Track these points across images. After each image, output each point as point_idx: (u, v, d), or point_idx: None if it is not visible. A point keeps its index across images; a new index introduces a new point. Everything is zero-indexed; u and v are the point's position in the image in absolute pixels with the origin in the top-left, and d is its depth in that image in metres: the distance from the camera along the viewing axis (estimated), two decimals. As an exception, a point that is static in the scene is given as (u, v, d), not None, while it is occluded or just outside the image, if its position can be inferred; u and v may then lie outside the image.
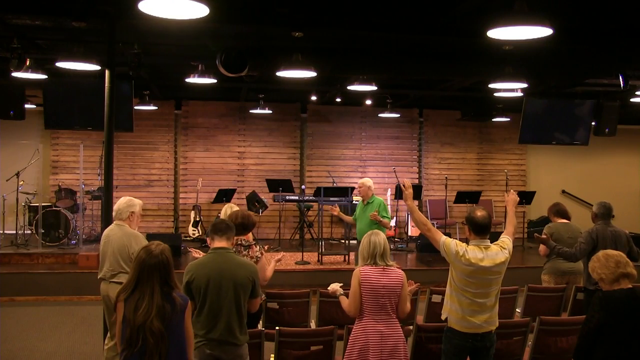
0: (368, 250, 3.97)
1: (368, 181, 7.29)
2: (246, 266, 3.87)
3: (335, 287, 4.23)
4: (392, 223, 11.44)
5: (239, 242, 4.51)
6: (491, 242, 3.94)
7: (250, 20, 5.87)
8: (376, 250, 3.94)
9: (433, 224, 4.14)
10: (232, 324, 3.71)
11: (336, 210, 7.36)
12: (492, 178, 12.86)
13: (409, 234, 11.52)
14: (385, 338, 3.85)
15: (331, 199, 10.53)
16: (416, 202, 11.37)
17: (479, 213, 3.92)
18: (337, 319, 4.99)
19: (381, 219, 6.95)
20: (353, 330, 3.95)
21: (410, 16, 6.01)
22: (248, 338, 3.86)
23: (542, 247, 5.96)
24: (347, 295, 4.06)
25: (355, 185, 11.44)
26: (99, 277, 5.03)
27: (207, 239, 4.15)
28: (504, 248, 3.93)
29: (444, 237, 3.92)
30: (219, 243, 3.87)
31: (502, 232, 4.24)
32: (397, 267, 4.02)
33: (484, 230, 3.92)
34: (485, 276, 3.84)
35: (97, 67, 6.36)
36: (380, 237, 4.00)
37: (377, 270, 3.91)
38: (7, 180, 10.02)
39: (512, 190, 4.57)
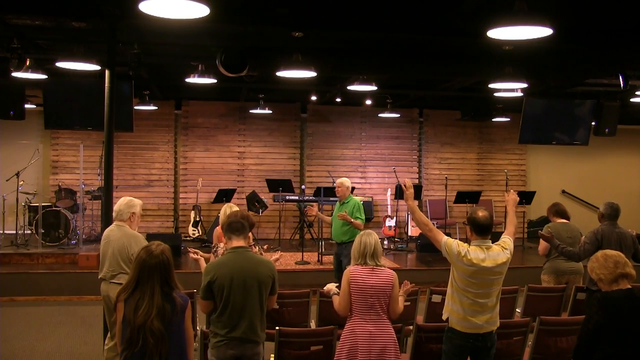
0: (359, 250, 4.00)
1: (346, 181, 7.29)
2: (266, 264, 3.90)
3: (330, 286, 4.28)
4: (392, 223, 11.43)
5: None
6: (492, 243, 3.95)
7: (250, 20, 5.86)
8: (366, 250, 3.97)
9: (433, 224, 4.14)
10: (254, 321, 3.74)
11: (314, 211, 7.32)
12: (492, 178, 12.86)
13: (409, 234, 11.52)
14: (375, 338, 3.86)
15: (331, 199, 10.53)
16: (416, 202, 11.36)
17: (481, 213, 3.92)
18: (337, 319, 4.98)
19: (352, 220, 6.90)
20: (343, 330, 3.98)
21: (410, 16, 6.00)
22: (265, 335, 3.89)
23: (541, 247, 5.95)
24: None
25: (356, 185, 11.50)
26: (99, 277, 5.03)
27: (216, 239, 4.14)
28: (505, 248, 3.93)
29: (445, 238, 3.92)
30: (237, 242, 3.88)
31: (503, 232, 4.24)
32: (389, 268, 4.03)
33: (486, 230, 3.92)
34: (487, 276, 3.84)
35: (97, 67, 6.36)
36: (372, 237, 4.03)
37: (367, 270, 3.94)
38: (7, 180, 10.02)
39: (512, 190, 4.56)
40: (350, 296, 3.93)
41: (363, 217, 7.10)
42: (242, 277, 3.72)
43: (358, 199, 7.40)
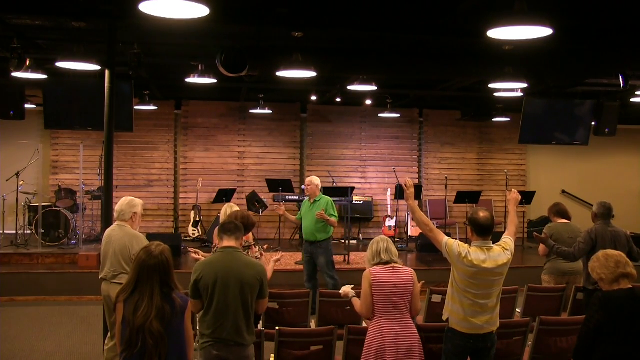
0: (372, 251, 4.03)
1: (316, 179, 7.32)
2: (254, 266, 3.86)
3: (346, 290, 4.27)
4: (392, 223, 11.43)
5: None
6: (493, 243, 3.94)
7: (250, 20, 5.86)
8: (379, 247, 4.00)
9: (433, 224, 4.14)
10: (239, 323, 3.70)
11: (282, 210, 7.27)
12: (492, 178, 12.86)
13: (409, 234, 11.52)
14: (401, 338, 3.86)
15: (331, 199, 10.53)
16: (416, 202, 11.34)
17: (482, 214, 3.91)
18: (337, 319, 5.00)
19: (328, 218, 6.97)
20: (368, 331, 3.96)
21: (410, 16, 6.00)
22: (255, 339, 3.86)
23: (541, 247, 5.96)
24: (358, 296, 4.10)
25: (356, 185, 11.50)
26: (100, 277, 5.04)
27: (216, 239, 4.15)
28: (506, 249, 3.92)
29: (446, 238, 3.92)
30: (227, 242, 3.87)
31: (503, 232, 4.23)
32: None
33: (487, 231, 3.91)
34: (487, 277, 3.83)
35: (97, 67, 6.36)
36: (383, 239, 4.07)
37: (387, 269, 3.94)
38: (7, 180, 10.01)
39: (513, 190, 4.55)
40: (373, 297, 3.91)
41: (336, 214, 7.19)
42: (226, 277, 3.70)
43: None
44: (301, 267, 8.97)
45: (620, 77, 7.14)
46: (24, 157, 10.48)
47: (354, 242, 11.22)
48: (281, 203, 8.08)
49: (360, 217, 11.73)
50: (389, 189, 11.94)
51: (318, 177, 7.48)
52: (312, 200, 7.22)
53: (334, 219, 7.05)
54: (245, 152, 12.19)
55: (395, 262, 4.00)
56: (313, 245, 7.16)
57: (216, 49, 6.57)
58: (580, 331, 3.54)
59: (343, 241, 11.32)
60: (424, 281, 4.30)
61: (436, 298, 5.22)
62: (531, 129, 9.47)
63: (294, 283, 8.22)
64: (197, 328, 3.98)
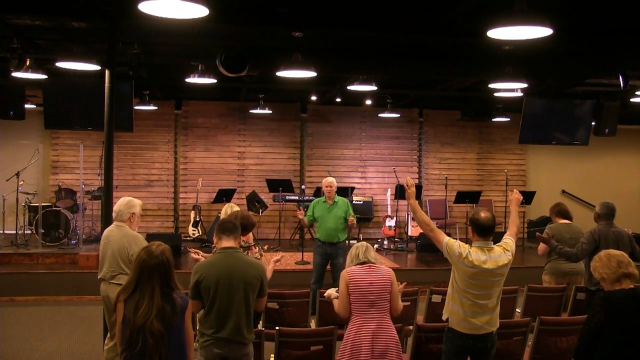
0: (350, 256, 4.12)
1: (335, 181, 7.40)
2: (255, 265, 3.91)
3: (330, 292, 4.37)
4: (392, 223, 11.43)
5: (238, 243, 4.51)
6: (494, 243, 3.94)
7: (250, 20, 5.86)
8: (358, 250, 4.10)
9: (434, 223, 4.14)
10: (240, 323, 3.74)
11: (301, 214, 7.22)
12: (492, 178, 12.86)
13: (409, 234, 11.52)
14: (377, 337, 3.89)
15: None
16: (417, 202, 11.29)
17: (483, 214, 3.91)
18: (337, 319, 4.99)
19: (355, 221, 7.12)
20: (346, 330, 4.01)
21: (410, 16, 6.00)
22: (254, 337, 3.90)
23: (540, 247, 5.96)
24: None
25: (356, 185, 11.51)
26: (99, 277, 5.04)
27: (214, 238, 4.14)
28: (507, 250, 3.92)
29: (447, 238, 3.91)
30: (227, 243, 3.89)
31: (503, 232, 4.23)
32: (388, 267, 4.10)
33: (488, 232, 3.91)
34: (488, 278, 3.83)
35: (97, 67, 6.36)
36: (362, 244, 4.19)
37: (364, 268, 4.01)
38: (7, 180, 10.01)
39: (515, 190, 4.54)
40: (349, 297, 3.95)
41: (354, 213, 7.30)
42: (228, 278, 3.73)
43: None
44: (301, 267, 8.99)
45: (620, 77, 7.14)
46: (24, 157, 10.48)
47: (354, 242, 11.19)
48: (300, 207, 8.03)
49: (360, 217, 11.67)
50: (389, 189, 11.94)
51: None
52: (331, 202, 7.19)
53: (354, 221, 7.17)
54: (245, 152, 12.19)
55: (373, 263, 4.06)
56: (333, 246, 7.08)
57: (216, 49, 6.57)
58: (581, 331, 3.54)
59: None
60: (405, 282, 4.30)
61: (436, 298, 5.22)
62: (531, 129, 9.47)
63: (294, 283, 8.22)
64: (197, 327, 3.99)
